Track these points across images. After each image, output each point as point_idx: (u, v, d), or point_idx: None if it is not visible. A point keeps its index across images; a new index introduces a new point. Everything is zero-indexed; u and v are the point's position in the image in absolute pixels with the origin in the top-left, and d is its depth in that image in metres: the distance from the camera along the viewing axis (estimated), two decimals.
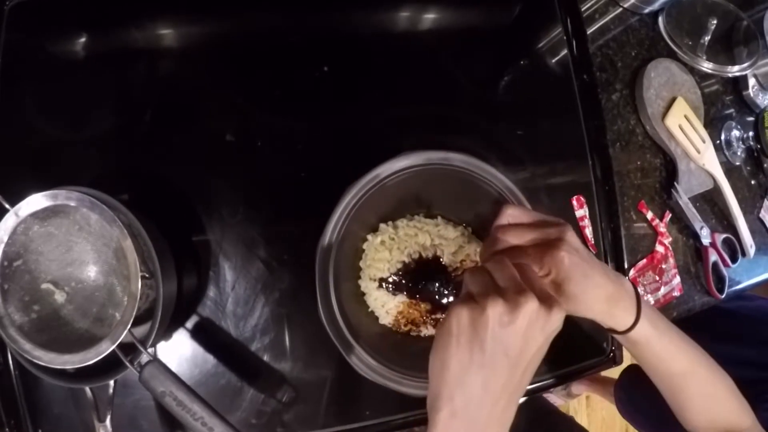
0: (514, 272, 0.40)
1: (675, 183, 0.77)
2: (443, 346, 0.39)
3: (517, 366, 0.38)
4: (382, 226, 0.61)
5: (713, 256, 0.79)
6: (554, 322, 0.39)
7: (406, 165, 0.55)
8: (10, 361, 0.61)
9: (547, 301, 0.38)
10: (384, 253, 0.60)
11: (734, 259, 0.81)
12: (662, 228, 0.76)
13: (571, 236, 0.45)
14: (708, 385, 0.54)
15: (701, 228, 0.78)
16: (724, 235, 0.81)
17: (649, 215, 0.76)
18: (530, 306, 0.37)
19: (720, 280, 0.80)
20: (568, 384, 0.70)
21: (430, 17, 0.74)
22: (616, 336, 0.50)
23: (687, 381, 0.53)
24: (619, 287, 0.47)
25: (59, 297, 0.54)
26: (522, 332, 0.38)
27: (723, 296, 0.79)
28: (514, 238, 0.46)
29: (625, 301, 0.48)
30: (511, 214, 0.48)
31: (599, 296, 0.46)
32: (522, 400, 0.41)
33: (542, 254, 0.44)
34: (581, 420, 1.75)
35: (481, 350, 0.38)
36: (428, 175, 0.56)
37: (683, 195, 0.77)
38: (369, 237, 0.61)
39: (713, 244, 0.79)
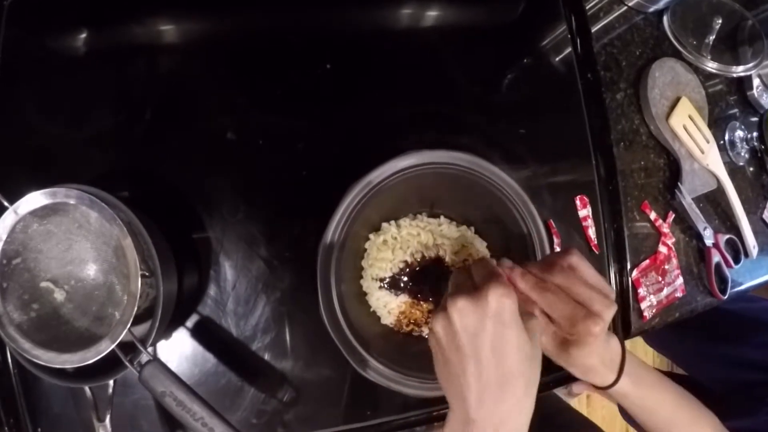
0: (489, 270, 0.41)
1: (678, 183, 0.76)
2: (435, 362, 0.42)
3: (502, 351, 0.38)
4: (385, 225, 0.61)
5: (716, 257, 0.78)
6: (501, 305, 0.38)
7: (410, 164, 0.54)
8: (9, 360, 0.60)
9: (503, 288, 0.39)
10: (386, 252, 0.59)
11: (737, 260, 0.81)
12: (665, 228, 0.76)
13: (610, 315, 0.43)
14: (692, 426, 0.56)
15: (704, 229, 0.78)
16: (727, 236, 0.80)
17: (653, 215, 0.75)
18: (488, 295, 0.38)
19: (722, 281, 0.79)
20: (568, 384, 0.70)
21: (432, 15, 0.73)
22: (597, 391, 0.52)
23: (670, 427, 0.55)
24: (609, 349, 0.48)
25: (59, 295, 0.54)
26: (489, 317, 0.38)
27: (725, 297, 0.78)
28: (566, 283, 0.43)
29: (608, 361, 0.48)
30: (575, 261, 0.45)
31: (593, 359, 0.47)
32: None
33: (576, 319, 0.42)
34: None
35: (458, 350, 0.39)
36: (431, 174, 0.56)
37: (687, 195, 0.76)
38: (371, 236, 0.61)
39: (716, 245, 0.79)
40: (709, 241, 0.78)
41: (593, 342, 0.45)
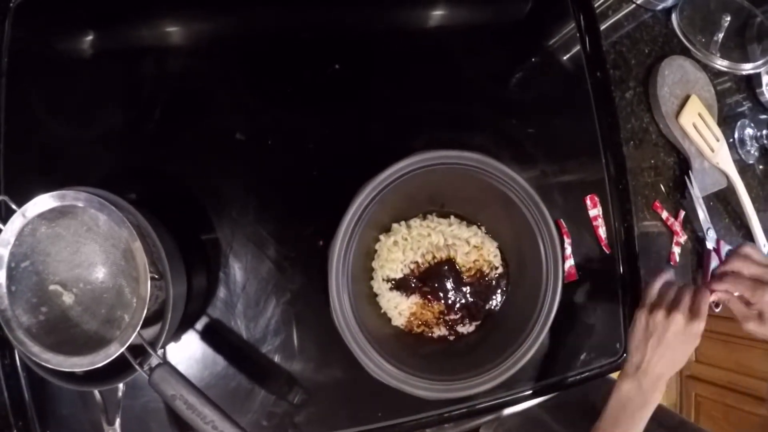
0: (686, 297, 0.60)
1: (688, 176, 0.75)
2: (642, 335, 0.60)
3: (673, 350, 0.59)
4: (395, 226, 0.61)
5: (714, 262, 0.76)
6: (692, 332, 0.58)
7: (420, 164, 0.54)
8: (18, 363, 0.60)
9: (695, 316, 0.58)
10: (397, 253, 0.59)
11: None
12: (677, 227, 0.75)
13: None
14: None
15: (708, 229, 0.77)
16: (729, 248, 0.78)
17: (664, 215, 0.75)
18: (678, 319, 0.58)
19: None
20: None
21: (442, 14, 0.73)
22: None
23: None
24: None
25: (67, 298, 0.53)
26: (676, 331, 0.58)
27: (718, 310, 0.75)
28: (749, 270, 0.62)
29: None
30: (747, 251, 0.63)
31: None
32: None
33: (755, 287, 0.60)
34: None
35: (664, 334, 0.58)
36: (442, 174, 0.55)
37: (696, 189, 0.75)
38: (382, 237, 0.60)
39: (717, 251, 0.77)
40: (710, 243, 0.77)
41: None
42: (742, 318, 0.62)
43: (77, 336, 0.53)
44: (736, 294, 0.62)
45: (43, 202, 0.48)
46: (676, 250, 0.75)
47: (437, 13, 0.73)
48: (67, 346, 0.50)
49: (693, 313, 0.58)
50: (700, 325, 0.58)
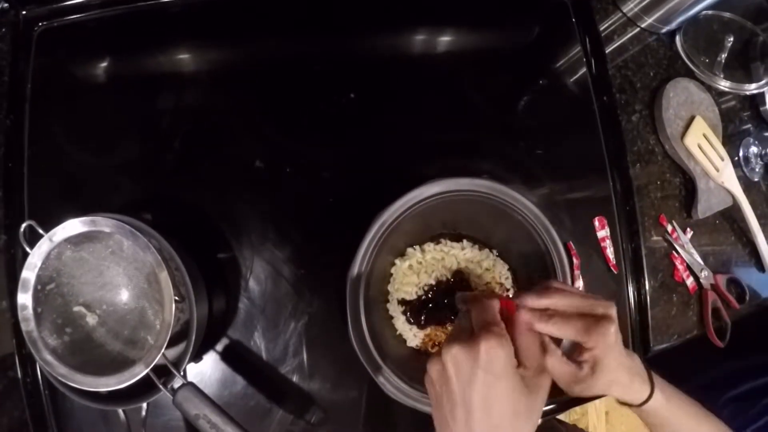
0: (486, 316, 0.41)
1: (673, 226, 0.76)
2: (432, 408, 0.42)
3: (491, 402, 0.39)
4: (410, 250, 0.62)
5: (713, 300, 0.76)
6: (492, 356, 0.39)
7: (434, 192, 0.56)
8: (40, 381, 0.61)
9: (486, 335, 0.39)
10: (412, 276, 0.61)
11: (741, 300, 0.79)
12: (681, 251, 0.76)
13: (614, 313, 0.45)
14: None
15: (701, 270, 0.77)
16: (728, 276, 0.79)
17: (675, 235, 0.76)
18: (483, 345, 0.38)
19: (722, 326, 0.77)
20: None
21: (451, 41, 0.75)
22: (631, 409, 0.52)
23: None
24: (635, 363, 0.50)
25: (91, 320, 0.55)
26: (473, 369, 0.38)
27: (724, 344, 0.76)
28: (562, 303, 0.45)
29: (640, 375, 0.50)
30: (557, 284, 0.47)
31: (623, 372, 0.48)
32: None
33: (589, 327, 0.43)
34: None
35: (450, 396, 0.40)
36: (454, 201, 0.57)
37: (686, 237, 0.76)
38: (397, 261, 0.62)
39: (716, 287, 0.77)
40: (706, 283, 0.77)
41: (613, 348, 0.45)
42: (571, 380, 0.45)
43: (101, 356, 0.54)
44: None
45: (73, 226, 0.50)
46: (681, 267, 0.76)
47: (447, 40, 0.75)
48: (91, 366, 0.52)
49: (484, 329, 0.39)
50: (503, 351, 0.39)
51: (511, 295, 0.63)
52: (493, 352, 0.38)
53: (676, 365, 0.67)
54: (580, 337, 0.43)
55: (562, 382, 0.45)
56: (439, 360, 0.40)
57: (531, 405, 0.41)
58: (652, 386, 0.50)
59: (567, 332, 0.43)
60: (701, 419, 0.56)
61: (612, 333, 0.44)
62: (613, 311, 0.45)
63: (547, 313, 0.44)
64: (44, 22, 0.68)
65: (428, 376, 0.42)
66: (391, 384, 0.55)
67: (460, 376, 0.39)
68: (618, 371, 0.47)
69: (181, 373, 0.51)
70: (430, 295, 0.61)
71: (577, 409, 1.70)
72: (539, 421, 0.42)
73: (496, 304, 0.43)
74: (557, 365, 0.44)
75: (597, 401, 1.74)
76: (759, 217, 0.82)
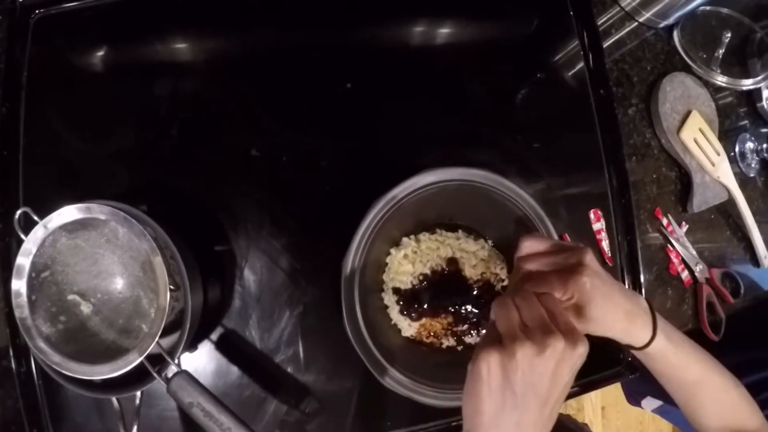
0: (540, 310, 0.41)
1: (668, 220, 0.76)
2: (475, 391, 0.40)
3: (547, 403, 0.40)
4: (405, 240, 0.62)
5: (708, 294, 0.77)
6: (579, 358, 0.40)
7: (430, 181, 0.56)
8: (34, 370, 0.61)
9: (571, 337, 0.39)
10: (407, 266, 0.61)
11: (736, 294, 0.79)
12: (677, 245, 0.76)
13: (590, 260, 0.46)
14: (720, 391, 0.55)
15: (696, 264, 0.77)
16: (723, 270, 0.79)
17: (670, 228, 0.76)
18: (557, 347, 0.38)
19: (716, 320, 0.78)
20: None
21: (450, 33, 0.75)
22: (633, 351, 0.51)
23: (701, 388, 0.55)
24: (636, 304, 0.49)
25: (85, 308, 0.55)
26: (551, 373, 0.39)
27: (719, 338, 0.76)
28: (534, 266, 0.47)
29: (642, 318, 0.49)
30: (528, 246, 0.49)
31: (619, 315, 0.48)
32: None
33: (564, 280, 0.45)
34: (596, 431, 1.74)
35: (513, 393, 0.39)
36: (450, 190, 0.57)
37: (681, 230, 0.76)
38: (392, 251, 0.62)
39: (710, 281, 0.78)
40: (700, 276, 0.77)
41: (594, 294, 0.45)
42: None
43: (95, 345, 0.54)
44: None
45: (68, 213, 0.50)
46: (676, 261, 0.76)
47: (446, 32, 0.74)
48: (85, 354, 0.51)
49: (565, 332, 0.39)
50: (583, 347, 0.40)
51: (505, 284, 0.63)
52: (563, 354, 0.39)
53: None
54: (558, 292, 0.45)
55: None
56: (504, 351, 0.39)
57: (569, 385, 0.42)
58: (654, 329, 0.49)
59: (544, 290, 0.44)
60: (710, 367, 0.54)
61: (584, 281, 0.45)
62: (586, 257, 0.46)
63: (526, 281, 0.46)
64: (41, 10, 0.67)
65: (486, 365, 0.39)
66: (386, 374, 0.56)
67: (526, 377, 0.39)
68: (610, 315, 0.47)
69: (176, 362, 0.51)
70: (423, 285, 0.61)
71: (573, 403, 1.71)
72: None
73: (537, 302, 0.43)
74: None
75: (593, 397, 1.75)
76: (754, 213, 0.82)
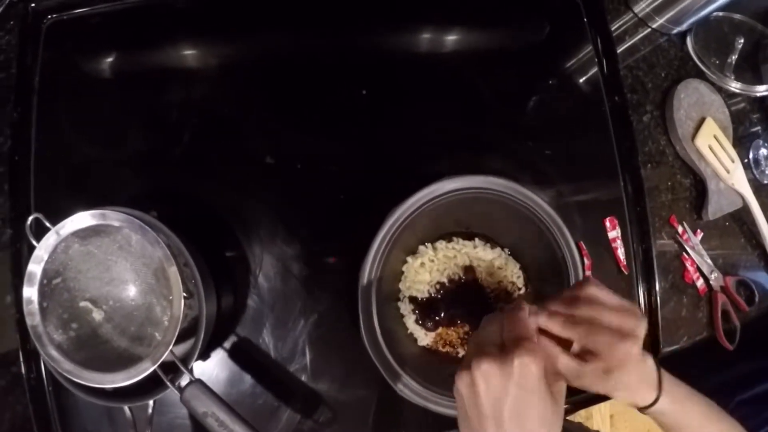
0: (519, 331, 0.41)
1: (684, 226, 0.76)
2: (458, 416, 0.42)
3: (523, 416, 0.39)
4: (421, 248, 0.62)
5: (723, 302, 0.75)
6: (526, 372, 0.39)
7: (449, 189, 0.55)
8: (44, 377, 0.61)
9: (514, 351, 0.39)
10: (424, 274, 0.60)
11: (751, 302, 0.78)
12: (692, 253, 0.76)
13: (643, 332, 0.44)
14: None
15: (711, 272, 0.76)
16: (737, 278, 0.78)
17: (685, 236, 0.75)
18: (517, 361, 0.38)
19: (731, 328, 0.76)
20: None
21: (464, 39, 0.74)
22: (637, 410, 0.50)
23: None
24: (646, 368, 0.48)
25: (97, 315, 0.54)
26: (506, 385, 0.38)
27: (733, 347, 0.75)
28: (588, 313, 0.44)
29: (647, 382, 0.48)
30: (594, 291, 0.45)
31: (635, 376, 0.47)
32: None
33: (612, 344, 0.42)
34: None
35: (480, 411, 0.39)
36: (468, 198, 0.56)
37: (697, 238, 0.76)
38: (409, 259, 0.61)
39: (725, 289, 0.76)
40: (715, 284, 0.76)
41: (632, 361, 0.44)
42: (574, 376, 0.43)
43: (107, 352, 0.54)
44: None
45: (82, 219, 0.49)
46: (691, 269, 0.76)
47: (459, 38, 0.74)
48: (97, 362, 0.51)
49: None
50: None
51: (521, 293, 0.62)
52: (527, 369, 0.38)
53: (687, 368, 0.66)
54: (603, 350, 0.42)
55: (567, 377, 0.44)
56: (468, 374, 0.39)
57: (557, 411, 0.41)
58: (659, 391, 0.48)
59: (590, 343, 0.43)
60: (713, 420, 0.54)
61: (635, 353, 0.43)
62: (641, 330, 0.43)
63: (574, 321, 0.43)
64: (53, 15, 0.67)
65: (456, 389, 0.41)
66: (402, 383, 0.55)
67: (491, 392, 0.39)
68: (626, 378, 0.46)
69: (190, 370, 0.50)
70: (440, 294, 0.61)
71: (582, 412, 1.70)
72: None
73: (526, 317, 0.42)
74: (565, 362, 0.43)
75: (602, 405, 1.74)
76: None
